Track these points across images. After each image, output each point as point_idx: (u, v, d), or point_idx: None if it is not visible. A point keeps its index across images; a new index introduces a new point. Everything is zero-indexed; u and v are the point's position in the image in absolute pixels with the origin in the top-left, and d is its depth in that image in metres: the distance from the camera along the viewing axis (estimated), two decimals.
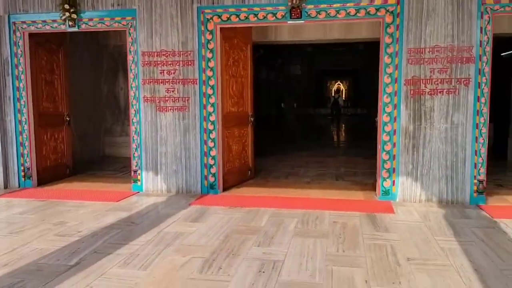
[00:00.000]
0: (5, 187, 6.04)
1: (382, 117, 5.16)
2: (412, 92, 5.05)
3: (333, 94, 22.10)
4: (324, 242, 3.77)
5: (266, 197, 5.44)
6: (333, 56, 22.77)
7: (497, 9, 4.82)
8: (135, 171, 5.83)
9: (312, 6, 5.14)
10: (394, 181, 5.19)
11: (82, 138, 8.15)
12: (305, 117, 22.03)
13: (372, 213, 4.68)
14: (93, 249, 3.61)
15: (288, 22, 5.28)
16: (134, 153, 5.82)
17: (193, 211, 4.83)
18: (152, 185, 5.77)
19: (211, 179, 5.63)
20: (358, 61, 22.55)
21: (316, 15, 5.17)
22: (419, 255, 3.45)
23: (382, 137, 5.18)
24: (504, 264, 3.24)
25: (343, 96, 25.15)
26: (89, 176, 6.93)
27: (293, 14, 5.19)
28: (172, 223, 4.39)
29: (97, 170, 7.46)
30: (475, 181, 5.02)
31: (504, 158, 8.10)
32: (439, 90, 4.99)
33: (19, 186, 6.08)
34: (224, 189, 5.81)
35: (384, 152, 5.19)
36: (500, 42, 9.46)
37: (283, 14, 5.23)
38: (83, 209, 4.92)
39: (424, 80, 5.01)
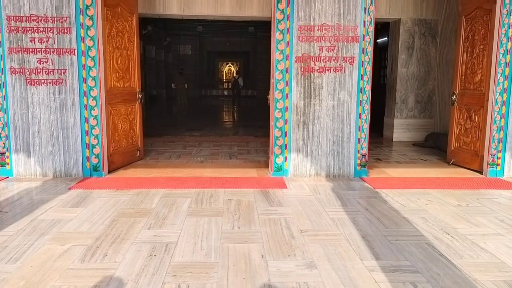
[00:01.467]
0: None
1: (275, 94, 5.17)
2: (302, 69, 5.13)
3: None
4: (219, 220, 3.65)
5: (156, 178, 5.14)
6: (224, 38, 22.71)
7: None
8: (3, 154, 5.07)
9: None
10: (286, 157, 5.27)
11: None
12: (196, 98, 21.73)
13: (266, 189, 4.69)
14: None
15: None
16: (0, 133, 5.04)
17: (74, 196, 4.35)
18: (24, 169, 5.08)
19: (94, 161, 5.14)
20: (249, 43, 22.84)
21: None
22: (312, 227, 3.52)
23: (275, 114, 5.20)
24: (387, 230, 3.45)
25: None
26: None
27: None
28: (48, 209, 3.88)
29: None
30: (359, 155, 5.32)
31: (381, 136, 8.84)
32: (327, 68, 5.14)
33: None
34: (110, 171, 5.36)
35: (277, 129, 5.22)
36: (376, 29, 10.23)
37: None
38: None
39: (313, 58, 5.12)
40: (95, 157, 5.13)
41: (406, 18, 8.03)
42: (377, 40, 11.14)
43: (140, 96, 5.96)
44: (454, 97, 5.93)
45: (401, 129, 8.34)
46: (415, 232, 3.40)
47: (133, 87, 5.85)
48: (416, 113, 8.35)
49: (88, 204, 4.08)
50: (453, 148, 6.05)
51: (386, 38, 9.31)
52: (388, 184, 4.95)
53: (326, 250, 3.02)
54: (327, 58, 5.12)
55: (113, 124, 5.46)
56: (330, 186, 4.89)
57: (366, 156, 5.36)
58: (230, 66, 25.63)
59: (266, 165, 5.76)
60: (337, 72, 5.15)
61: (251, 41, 22.61)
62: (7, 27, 4.86)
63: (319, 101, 5.19)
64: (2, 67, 4.92)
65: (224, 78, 25.66)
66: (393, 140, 8.34)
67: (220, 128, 10.95)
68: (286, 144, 5.25)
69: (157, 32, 17.41)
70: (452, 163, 6.00)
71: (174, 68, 19.88)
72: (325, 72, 5.15)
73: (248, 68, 24.13)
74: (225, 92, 24.73)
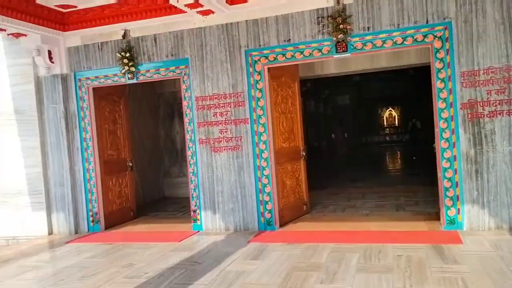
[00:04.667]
0: (76, 232, 6.39)
1: (440, 143, 5.01)
2: (469, 116, 4.89)
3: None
4: (390, 277, 3.65)
5: (324, 232, 5.38)
6: (382, 83, 22.47)
7: None
8: (194, 211, 6.00)
9: (358, 38, 5.21)
10: (459, 209, 4.97)
11: (143, 181, 8.53)
12: (357, 146, 21.69)
13: (438, 244, 4.48)
14: None
15: (334, 56, 5.36)
16: (192, 194, 6.01)
17: (252, 249, 4.87)
18: (211, 224, 5.89)
19: (268, 216, 5.67)
20: (408, 86, 22.11)
21: (362, 47, 5.22)
22: None
23: (442, 163, 5.02)
24: None
25: (398, 122, 24.59)
26: (152, 217, 7.20)
27: (338, 48, 5.28)
28: (232, 261, 4.44)
29: (159, 211, 7.73)
30: None
31: None
32: (498, 112, 4.80)
33: (88, 231, 6.42)
34: (281, 225, 5.81)
35: (446, 180, 5.01)
36: None
37: (329, 49, 5.33)
38: (148, 250, 5.11)
39: (481, 103, 4.85)
40: (268, 213, 5.67)
41: None
42: None
43: (304, 153, 6.42)
44: None
45: None
46: None
47: (297, 146, 6.35)
48: None
49: (265, 257, 4.52)
50: None
51: None
52: None
53: None
54: (497, 102, 4.79)
55: (282, 181, 5.97)
56: None
57: None
58: (390, 110, 25.02)
59: (437, 217, 5.48)
60: (511, 116, 4.76)
61: (411, 83, 21.86)
62: (196, 106, 5.90)
63: (493, 147, 4.83)
64: (193, 139, 5.94)
65: (385, 124, 25.08)
66: None
67: (384, 177, 10.75)
68: (457, 195, 4.96)
69: (315, 87, 18.32)
70: None
71: (333, 119, 20.40)
72: (496, 116, 4.80)
73: (410, 111, 23.21)
74: (387, 138, 24.09)
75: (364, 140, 23.46)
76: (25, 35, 5.81)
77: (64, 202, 6.40)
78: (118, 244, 5.55)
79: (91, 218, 6.44)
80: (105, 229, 6.49)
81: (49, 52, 6.13)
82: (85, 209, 6.44)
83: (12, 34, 5.73)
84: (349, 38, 5.22)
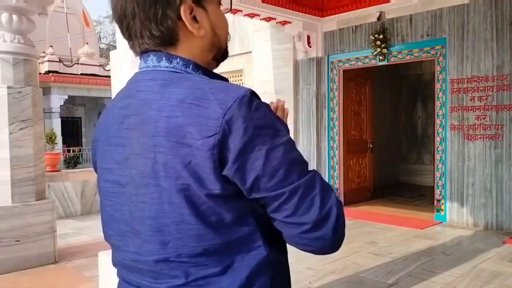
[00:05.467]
0: None
1: None
2: None
3: None
4: None
5: None
6: None
7: None
8: (439, 201, 5.71)
9: None
10: None
11: (380, 164, 8.58)
12: None
13: None
14: (408, 272, 3.74)
15: None
16: (438, 182, 5.72)
17: (509, 251, 4.34)
18: (456, 217, 5.50)
19: None
20: None
21: None
22: None
23: None
24: None
25: None
26: (388, 201, 7.20)
27: None
28: (485, 260, 4.07)
29: (395, 195, 7.67)
30: None
31: None
32: None
33: None
34: None
35: None
36: None
37: None
38: (390, 232, 5.17)
39: None
40: None
41: None
42: None
43: None
44: None
45: None
46: None
47: None
48: None
49: None
50: None
51: None
52: None
53: None
54: None
55: None
56: None
57: None
58: None
59: None
60: None
61: None
62: (450, 89, 5.53)
63: None
64: (443, 124, 5.61)
65: None
66: None
67: None
68: None
69: None
70: None
71: None
72: None
73: None
74: None
75: None
76: (290, 22, 6.52)
77: None
78: (359, 221, 5.80)
79: None
80: (344, 205, 6.84)
81: (308, 37, 6.72)
82: None
83: (280, 22, 6.52)
84: None
